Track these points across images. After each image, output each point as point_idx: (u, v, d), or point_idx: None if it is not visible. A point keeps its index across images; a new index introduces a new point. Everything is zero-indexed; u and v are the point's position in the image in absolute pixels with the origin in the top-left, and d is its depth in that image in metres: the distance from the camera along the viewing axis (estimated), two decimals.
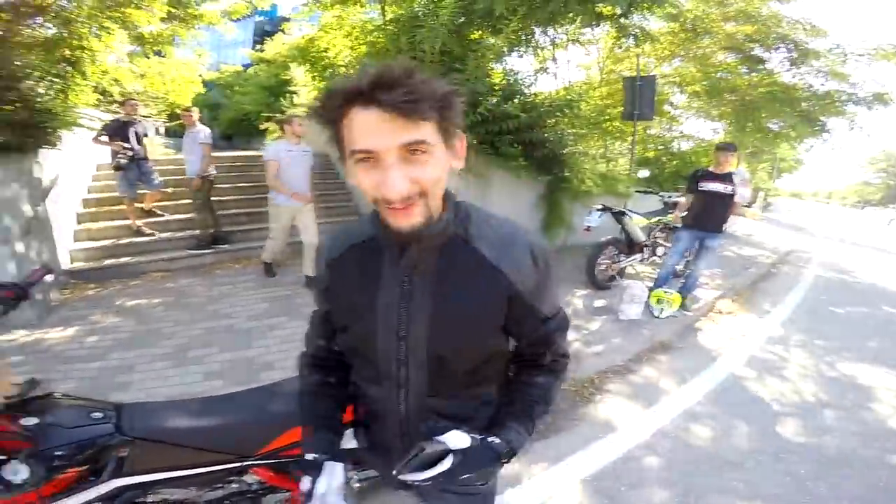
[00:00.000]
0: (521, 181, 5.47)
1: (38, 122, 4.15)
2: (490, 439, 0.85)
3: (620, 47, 8.23)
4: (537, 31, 6.72)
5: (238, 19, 7.98)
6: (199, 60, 12.28)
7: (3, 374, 3.14)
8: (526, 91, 5.77)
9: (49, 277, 1.46)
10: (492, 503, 1.12)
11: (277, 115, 11.27)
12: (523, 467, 2.29)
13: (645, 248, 5.17)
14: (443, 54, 4.60)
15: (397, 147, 0.64)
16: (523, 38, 6.06)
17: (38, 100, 4.28)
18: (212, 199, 5.36)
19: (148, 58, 8.50)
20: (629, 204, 5.87)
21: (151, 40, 7.83)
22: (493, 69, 6.00)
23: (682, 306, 4.36)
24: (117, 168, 5.09)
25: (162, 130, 11.93)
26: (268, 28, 28.45)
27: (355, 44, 6.29)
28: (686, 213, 4.36)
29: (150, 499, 1.41)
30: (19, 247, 3.74)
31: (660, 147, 11.03)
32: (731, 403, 3.01)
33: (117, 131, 5.18)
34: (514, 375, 1.00)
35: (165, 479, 1.32)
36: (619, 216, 4.97)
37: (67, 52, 6.05)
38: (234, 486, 1.48)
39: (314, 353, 1.06)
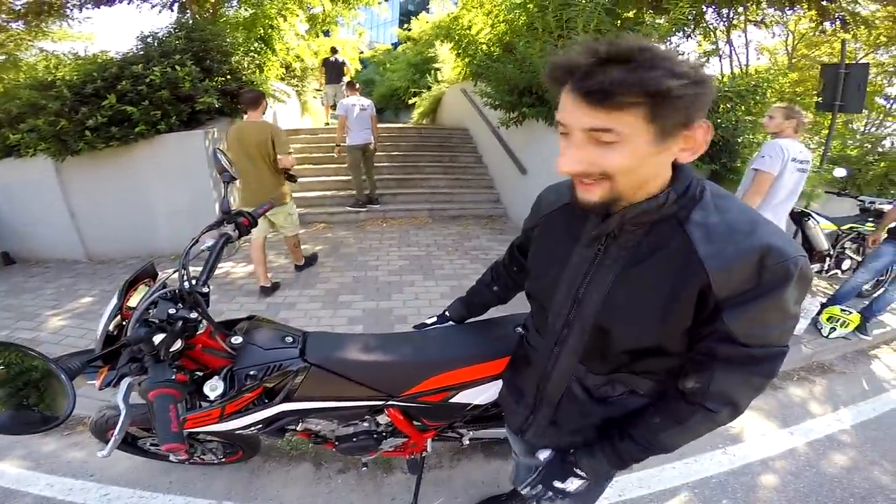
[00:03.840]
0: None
1: (244, 92, 5.00)
2: (570, 456, 0.96)
3: (821, 31, 6.95)
4: (709, 10, 6.02)
5: None
6: (360, 39, 13.45)
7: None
8: None
9: (271, 211, 1.68)
10: (595, 498, 1.18)
11: (422, 90, 11.88)
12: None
13: (827, 259, 4.37)
14: (598, 32, 4.35)
15: (582, 129, 0.65)
16: (691, 17, 5.46)
17: (243, 73, 5.14)
18: (373, 165, 5.96)
19: (318, 36, 9.57)
20: (815, 205, 4.99)
21: (321, 20, 8.82)
22: None
23: (860, 329, 3.62)
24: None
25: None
26: (411, 7, 29.67)
27: (495, 21, 6.27)
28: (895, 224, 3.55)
29: (299, 427, 1.52)
30: (228, 191, 4.58)
31: (865, 145, 9.11)
32: (884, 439, 2.52)
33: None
34: (657, 398, 0.89)
35: (320, 409, 1.39)
36: (799, 218, 4.26)
37: (261, 31, 7.08)
38: (365, 424, 1.56)
39: (497, 264, 1.39)
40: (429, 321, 1.54)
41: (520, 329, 1.40)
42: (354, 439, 1.56)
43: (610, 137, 0.64)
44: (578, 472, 0.94)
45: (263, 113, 3.58)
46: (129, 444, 1.84)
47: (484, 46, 6.10)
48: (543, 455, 0.98)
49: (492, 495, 1.92)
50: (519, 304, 1.44)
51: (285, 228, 3.80)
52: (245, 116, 3.57)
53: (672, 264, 0.74)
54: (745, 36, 7.30)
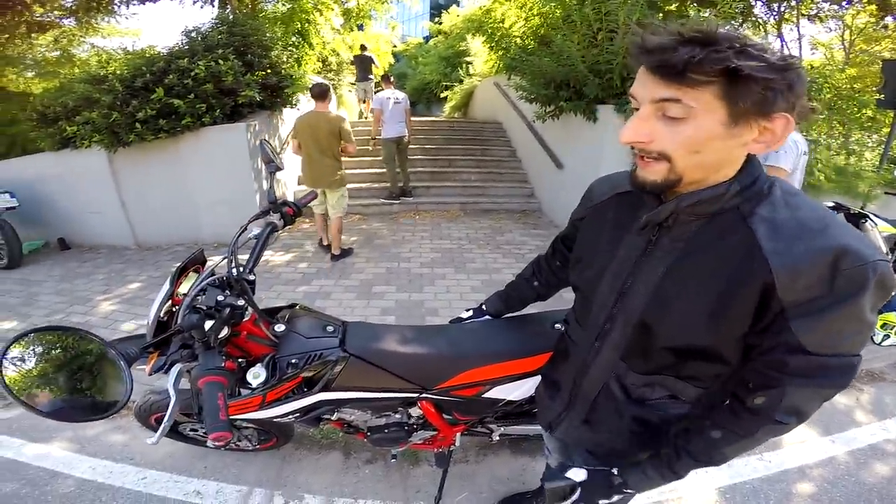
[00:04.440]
0: None
1: (283, 86, 5.11)
2: (612, 472, 0.91)
3: (882, 26, 6.56)
4: (758, 3, 5.76)
5: None
6: (392, 33, 13.50)
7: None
8: None
9: (315, 201, 1.71)
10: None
11: (454, 83, 11.84)
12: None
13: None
14: (640, 25, 4.23)
15: (650, 100, 0.65)
16: (738, 11, 5.24)
17: (283, 67, 5.25)
18: (407, 158, 6.01)
19: (352, 30, 9.67)
20: (873, 206, 4.73)
21: (355, 14, 8.90)
22: None
23: None
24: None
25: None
26: (441, 1, 29.48)
27: (529, 14, 6.17)
28: None
29: (334, 416, 1.52)
30: (273, 181, 4.72)
31: None
32: None
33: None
34: (713, 410, 0.83)
35: (356, 399, 1.38)
36: (856, 219, 4.04)
37: (298, 25, 7.21)
38: (398, 416, 1.55)
39: (539, 258, 1.36)
40: (465, 314, 1.54)
41: (559, 326, 1.39)
42: (386, 430, 1.57)
43: (677, 111, 0.62)
44: (627, 490, 0.91)
45: (329, 104, 4.03)
46: (170, 429, 1.91)
47: (518, 40, 6.03)
48: (579, 475, 0.94)
49: (517, 492, 1.91)
50: (558, 303, 1.43)
51: (335, 209, 4.19)
52: (314, 107, 3.98)
53: (731, 259, 0.69)
54: (798, 30, 6.95)
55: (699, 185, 0.70)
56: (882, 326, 3.39)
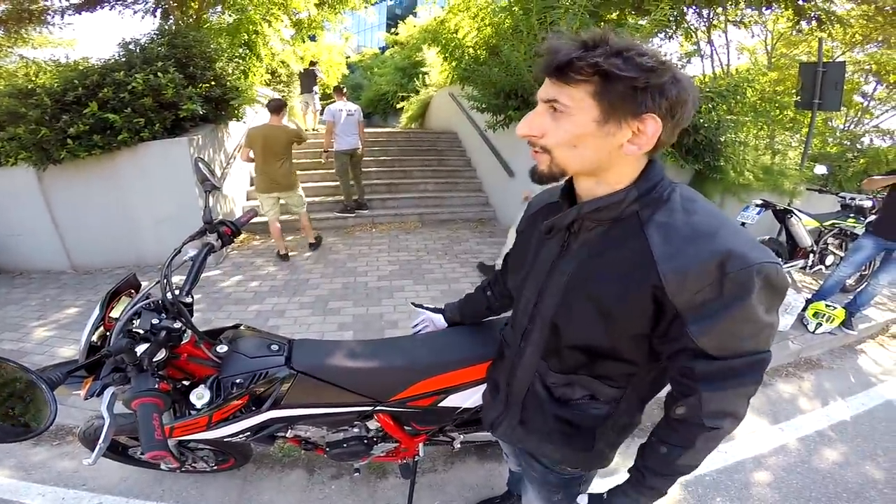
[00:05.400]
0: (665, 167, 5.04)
1: (228, 99, 4.97)
2: (602, 496, 0.94)
3: (798, 30, 7.10)
4: (690, 11, 6.13)
5: (375, 3, 8.55)
6: (346, 44, 13.42)
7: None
8: None
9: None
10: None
11: (410, 94, 11.89)
12: (623, 460, 2.20)
13: (810, 255, 4.45)
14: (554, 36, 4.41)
15: (542, 98, 0.71)
16: (672, 19, 5.57)
17: (228, 79, 5.10)
18: (361, 170, 5.97)
19: (304, 42, 9.54)
20: (797, 203, 5.09)
21: (307, 25, 8.80)
22: None
23: (845, 324, 3.68)
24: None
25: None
26: (398, 11, 29.70)
27: (481, 25, 6.32)
28: (874, 217, 3.63)
29: (288, 433, 1.53)
30: (210, 200, 4.53)
31: (845, 142, 9.33)
32: (875, 433, 2.57)
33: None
34: (657, 424, 0.87)
35: (308, 416, 1.39)
36: (782, 215, 4.33)
37: (245, 36, 7.04)
38: (355, 430, 1.56)
39: (495, 271, 1.38)
40: (427, 305, 1.60)
41: None
42: (345, 445, 1.56)
43: (559, 107, 0.68)
44: None
45: (283, 117, 4.46)
46: (120, 453, 1.84)
47: (470, 50, 6.13)
48: (583, 501, 0.96)
49: (486, 498, 1.93)
50: None
51: (298, 206, 4.67)
52: (269, 119, 4.35)
53: (624, 264, 0.73)
54: (726, 36, 7.42)
55: (595, 184, 0.76)
56: (814, 315, 3.63)
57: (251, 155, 4.33)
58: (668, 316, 0.70)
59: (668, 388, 0.85)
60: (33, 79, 4.51)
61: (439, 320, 1.52)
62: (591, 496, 0.96)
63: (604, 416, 0.90)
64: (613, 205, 0.73)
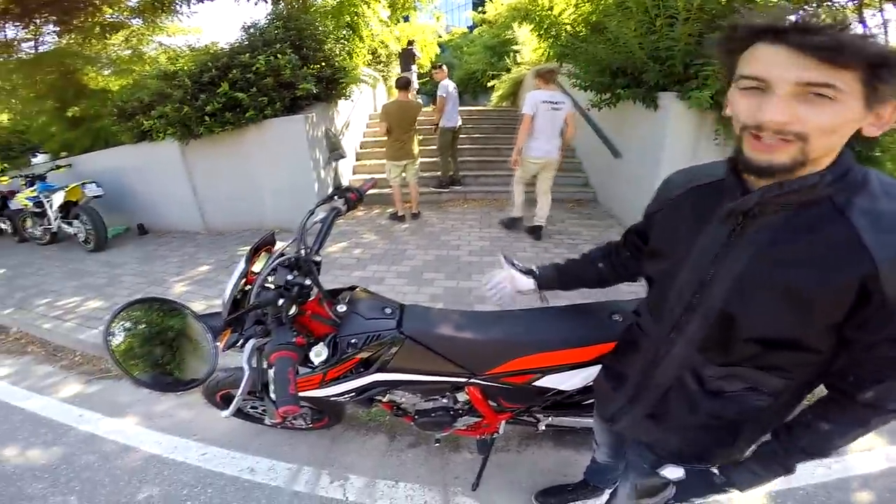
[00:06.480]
0: None
1: (337, 78, 5.27)
2: (712, 471, 0.88)
3: None
4: None
5: None
6: (438, 24, 13.48)
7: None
8: None
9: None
10: None
11: (501, 72, 11.70)
12: None
13: None
14: (700, 11, 3.99)
15: (795, 82, 0.61)
16: None
17: (336, 59, 5.40)
18: (456, 147, 6.09)
19: (398, 23, 9.73)
20: None
21: (401, 6, 8.95)
22: None
23: None
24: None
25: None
26: None
27: (580, 1, 5.99)
28: None
29: (385, 398, 1.55)
30: (323, 173, 4.93)
31: None
32: None
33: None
34: (815, 403, 0.83)
35: (408, 381, 1.40)
36: None
37: (348, 18, 7.34)
38: (444, 400, 1.56)
39: (611, 244, 1.27)
40: (517, 264, 1.41)
41: (617, 317, 1.35)
42: (433, 414, 1.57)
43: (830, 94, 0.61)
44: (729, 489, 0.90)
45: (409, 93, 4.88)
46: (228, 404, 2.01)
47: (568, 27, 5.87)
48: (675, 473, 0.92)
49: (558, 484, 1.87)
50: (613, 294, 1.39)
51: (415, 176, 5.10)
52: (398, 96, 4.81)
53: (826, 250, 0.68)
54: (882, 14, 6.34)
55: (801, 169, 0.69)
56: None
57: (388, 128, 4.74)
58: (873, 305, 0.67)
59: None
60: (174, 63, 5.12)
61: (522, 281, 1.35)
62: (689, 470, 0.92)
63: (761, 408, 0.86)
64: (807, 188, 0.69)
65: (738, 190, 0.76)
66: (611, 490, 1.50)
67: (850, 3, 5.96)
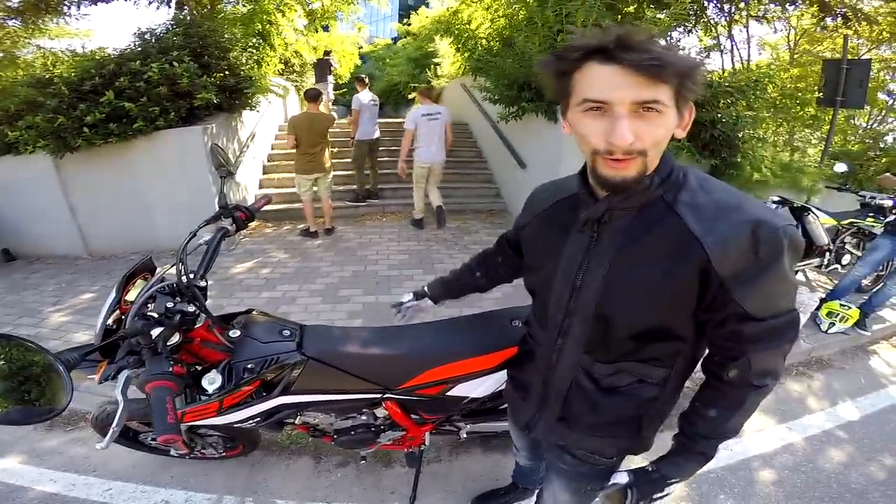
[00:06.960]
0: (681, 161, 4.95)
1: (242, 88, 5.00)
2: (647, 468, 0.94)
3: (822, 27, 6.96)
4: (710, 5, 6.04)
5: None
6: (359, 34, 13.41)
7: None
8: None
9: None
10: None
11: (422, 84, 11.85)
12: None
13: (826, 253, 4.34)
14: (598, 28, 4.32)
15: (631, 102, 0.65)
16: (691, 13, 5.47)
17: (242, 69, 5.14)
18: (375, 159, 6.03)
19: (317, 32, 9.54)
20: (815, 200, 4.99)
21: (320, 15, 8.79)
22: None
23: (859, 324, 3.61)
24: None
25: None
26: (410, 2, 29.42)
27: (495, 16, 6.27)
28: (894, 217, 3.54)
29: (297, 420, 1.53)
30: (225, 186, 4.58)
31: (867, 140, 9.11)
32: (883, 434, 2.52)
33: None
34: (698, 390, 0.91)
35: (318, 402, 1.39)
36: (799, 212, 4.24)
37: (259, 26, 7.06)
38: (363, 417, 1.56)
39: (484, 252, 1.39)
40: (405, 298, 1.54)
41: (517, 322, 1.42)
42: (352, 432, 1.57)
43: (659, 109, 0.66)
44: (670, 481, 0.93)
45: (320, 105, 4.80)
46: (131, 438, 1.85)
47: (483, 41, 6.08)
48: (623, 478, 0.94)
49: (490, 489, 1.93)
50: (515, 299, 1.45)
51: (327, 190, 4.98)
52: (307, 108, 4.73)
53: (667, 242, 0.76)
54: (747, 31, 7.28)
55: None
56: (827, 315, 3.57)
57: (296, 141, 4.62)
58: (713, 286, 0.74)
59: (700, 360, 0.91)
60: (51, 69, 4.59)
61: (426, 303, 1.50)
62: (634, 471, 0.95)
63: (653, 398, 0.93)
64: (643, 191, 0.76)
65: (590, 200, 0.83)
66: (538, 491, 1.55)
67: (723, 20, 6.79)
